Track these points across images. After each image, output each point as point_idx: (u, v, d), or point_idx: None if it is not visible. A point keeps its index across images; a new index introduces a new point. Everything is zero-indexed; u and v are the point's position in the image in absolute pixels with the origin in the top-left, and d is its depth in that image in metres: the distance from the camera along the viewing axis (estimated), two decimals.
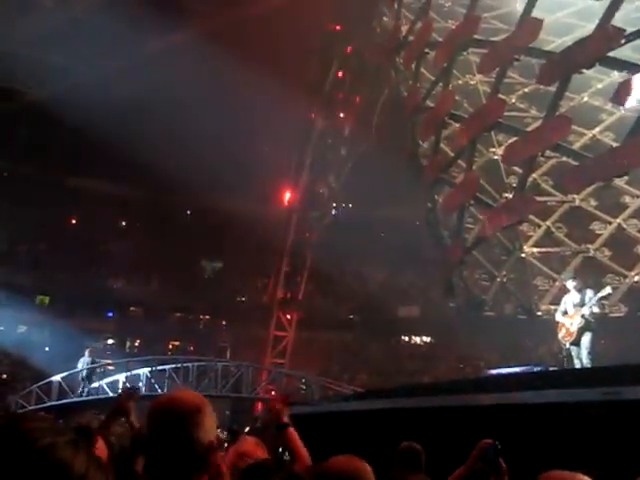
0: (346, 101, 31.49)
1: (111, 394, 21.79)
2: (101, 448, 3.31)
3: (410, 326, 35.76)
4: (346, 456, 2.73)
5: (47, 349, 32.93)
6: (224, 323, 38.27)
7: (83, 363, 21.92)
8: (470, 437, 7.29)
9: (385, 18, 17.73)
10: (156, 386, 21.56)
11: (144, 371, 22.26)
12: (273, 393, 21.65)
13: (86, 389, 21.94)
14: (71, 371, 23.64)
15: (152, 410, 1.95)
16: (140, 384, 21.75)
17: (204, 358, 23.15)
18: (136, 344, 36.01)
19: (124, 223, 39.07)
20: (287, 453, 3.49)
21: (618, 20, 11.24)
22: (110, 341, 36.13)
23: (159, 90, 29.83)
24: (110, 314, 36.61)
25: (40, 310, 32.75)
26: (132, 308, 37.68)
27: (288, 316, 33.56)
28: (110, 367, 23.70)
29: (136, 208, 38.81)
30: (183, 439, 1.87)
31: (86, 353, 22.10)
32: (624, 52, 12.70)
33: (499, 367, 14.80)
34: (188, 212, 37.91)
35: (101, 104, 28.03)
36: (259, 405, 25.14)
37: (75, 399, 22.37)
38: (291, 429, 3.33)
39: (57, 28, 28.88)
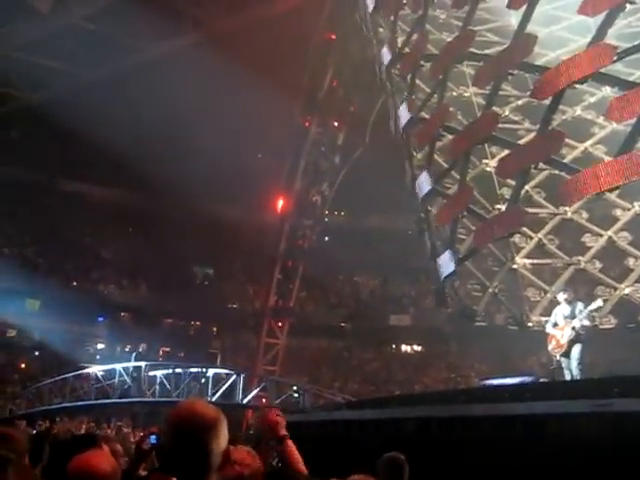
0: (340, 109, 31.63)
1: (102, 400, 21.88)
2: (107, 452, 3.39)
3: (401, 335, 35.86)
4: (363, 476, 2.82)
5: (37, 353, 32.88)
6: (215, 329, 38.25)
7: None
8: (461, 448, 7.37)
9: (381, 29, 17.84)
10: (147, 392, 21.55)
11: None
12: (264, 401, 21.67)
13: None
14: (62, 376, 23.66)
15: (173, 423, 2.01)
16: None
17: (196, 364, 23.12)
18: (126, 349, 35.89)
19: (116, 228, 39.00)
20: (281, 464, 3.55)
21: (610, 35, 11.40)
22: (100, 346, 36.06)
23: (154, 96, 29.93)
24: (101, 319, 36.54)
25: (30, 314, 32.65)
26: (123, 313, 37.59)
27: (279, 323, 33.55)
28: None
29: (129, 213, 38.78)
30: (202, 450, 1.96)
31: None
32: (615, 67, 12.87)
33: (493, 377, 14.88)
34: (181, 218, 37.84)
35: (96, 109, 28.11)
36: (250, 413, 25.14)
37: (66, 404, 22.36)
38: (289, 441, 3.43)
39: (54, 33, 28.91)
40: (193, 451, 1.96)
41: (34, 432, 12.02)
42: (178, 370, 21.75)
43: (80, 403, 22.23)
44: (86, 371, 23.79)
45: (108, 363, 24.78)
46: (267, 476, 3.56)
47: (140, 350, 22.43)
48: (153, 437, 3.19)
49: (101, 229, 38.91)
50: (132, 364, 22.45)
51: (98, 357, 33.02)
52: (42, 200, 35.63)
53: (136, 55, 31.84)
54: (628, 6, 10.63)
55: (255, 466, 3.80)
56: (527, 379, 12.45)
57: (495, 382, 12.95)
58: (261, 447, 4.34)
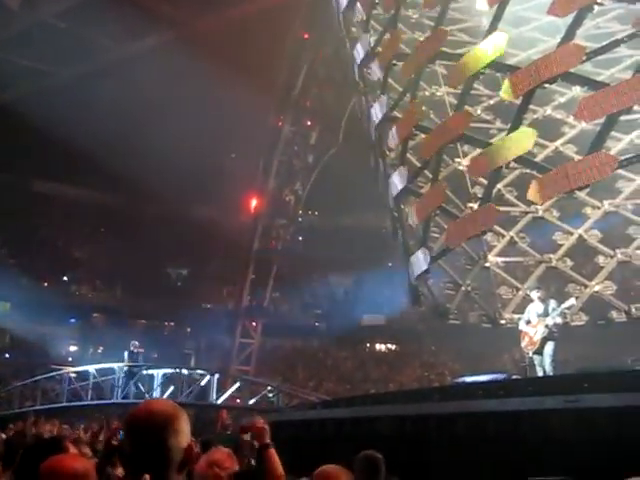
0: (313, 108, 31.65)
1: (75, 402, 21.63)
2: (75, 453, 3.38)
3: (376, 333, 35.94)
4: (331, 466, 2.83)
5: (7, 356, 32.44)
6: (189, 330, 38.05)
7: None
8: (435, 444, 7.42)
9: (353, 29, 17.86)
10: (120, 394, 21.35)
11: (107, 378, 22.03)
12: (238, 401, 21.60)
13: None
14: (33, 378, 23.35)
15: (129, 421, 2.05)
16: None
17: (170, 365, 22.98)
18: (99, 351, 35.54)
19: (89, 229, 38.60)
20: (260, 466, 3.58)
21: (579, 36, 11.56)
22: (72, 347, 35.69)
23: (127, 95, 29.67)
24: (73, 320, 36.14)
25: (1, 315, 32.18)
26: (95, 314, 37.23)
27: (253, 323, 33.53)
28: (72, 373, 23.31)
29: (102, 214, 38.39)
30: (160, 447, 1.98)
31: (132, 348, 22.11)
32: (585, 67, 13.05)
33: (467, 375, 14.97)
34: (155, 219, 37.59)
35: (68, 108, 27.80)
36: (224, 413, 25.04)
37: (37, 407, 22.05)
38: (272, 449, 3.46)
39: (24, 31, 28.54)
40: (151, 448, 1.99)
41: (4, 436, 11.86)
42: (152, 371, 21.62)
43: (52, 405, 21.96)
44: (58, 373, 23.50)
45: (80, 365, 24.50)
46: (237, 476, 3.56)
47: (132, 348, 22.04)
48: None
49: (75, 230, 38.49)
50: (105, 365, 22.21)
51: (70, 359, 32.64)
52: (15, 201, 35.07)
53: (108, 54, 31.57)
54: (596, 7, 10.79)
55: (233, 468, 3.80)
56: (499, 376, 12.57)
57: (470, 380, 13.05)
58: (241, 450, 4.33)
